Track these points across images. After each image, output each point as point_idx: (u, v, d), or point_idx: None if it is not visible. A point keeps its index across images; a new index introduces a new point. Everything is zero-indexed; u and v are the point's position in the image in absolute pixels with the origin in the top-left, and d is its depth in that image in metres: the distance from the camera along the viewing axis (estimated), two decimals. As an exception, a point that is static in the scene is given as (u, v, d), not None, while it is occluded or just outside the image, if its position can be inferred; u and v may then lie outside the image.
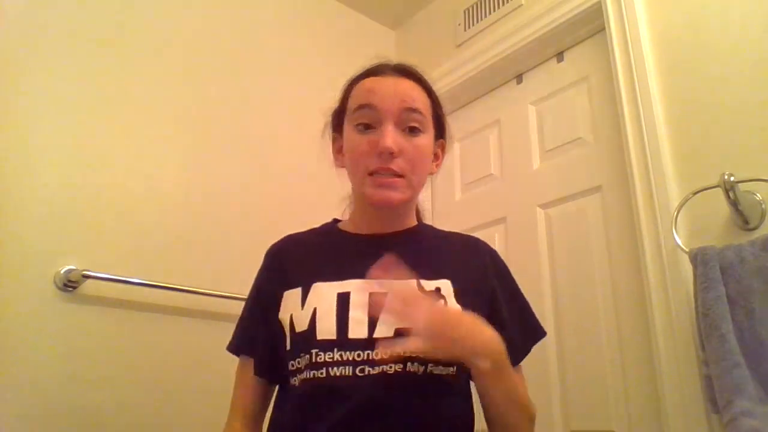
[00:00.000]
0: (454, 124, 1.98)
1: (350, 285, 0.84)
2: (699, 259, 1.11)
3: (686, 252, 1.16)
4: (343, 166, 0.95)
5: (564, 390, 1.45)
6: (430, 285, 0.85)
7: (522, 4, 1.78)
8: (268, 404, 0.91)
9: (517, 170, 1.76)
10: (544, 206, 1.65)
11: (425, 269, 0.86)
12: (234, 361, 0.93)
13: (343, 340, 0.78)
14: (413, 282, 0.83)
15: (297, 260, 0.93)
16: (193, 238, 1.51)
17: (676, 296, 1.20)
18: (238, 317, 0.96)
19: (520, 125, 1.79)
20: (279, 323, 0.86)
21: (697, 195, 1.19)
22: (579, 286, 1.49)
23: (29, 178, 1.30)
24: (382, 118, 0.85)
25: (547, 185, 1.65)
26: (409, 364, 0.77)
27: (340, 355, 0.77)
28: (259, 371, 0.89)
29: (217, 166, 1.63)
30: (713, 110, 1.24)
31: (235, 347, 0.94)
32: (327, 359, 0.78)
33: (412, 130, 0.87)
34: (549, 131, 1.70)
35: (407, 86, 0.89)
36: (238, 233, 1.57)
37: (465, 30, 1.97)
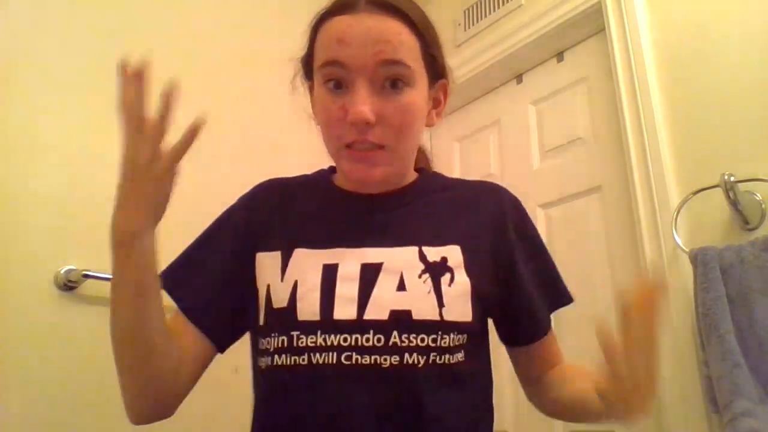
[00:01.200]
0: (454, 124, 2.00)
1: (339, 255, 0.71)
2: (699, 259, 1.11)
3: (686, 252, 1.16)
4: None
5: (564, 390, 1.45)
6: (434, 253, 0.71)
7: (522, 4, 1.78)
8: (198, 374, 0.77)
9: (517, 170, 1.76)
10: (544, 206, 1.65)
11: (429, 233, 0.73)
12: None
13: (328, 321, 0.66)
14: (414, 250, 0.71)
15: (280, 215, 0.79)
16: (192, 238, 1.51)
17: (676, 296, 1.20)
18: (186, 254, 0.83)
19: (520, 125, 1.79)
20: (252, 286, 0.73)
21: (697, 195, 1.19)
22: (579, 286, 1.49)
23: (29, 178, 1.30)
24: (353, 77, 0.68)
25: (547, 185, 1.65)
26: (407, 355, 0.65)
27: (324, 339, 0.65)
28: (214, 335, 0.74)
29: (217, 166, 1.63)
30: (713, 110, 1.25)
31: (188, 305, 0.76)
32: (309, 343, 0.65)
33: (395, 85, 0.69)
34: (549, 131, 1.70)
35: (386, 27, 0.69)
36: (238, 233, 1.57)
37: (465, 30, 1.97)
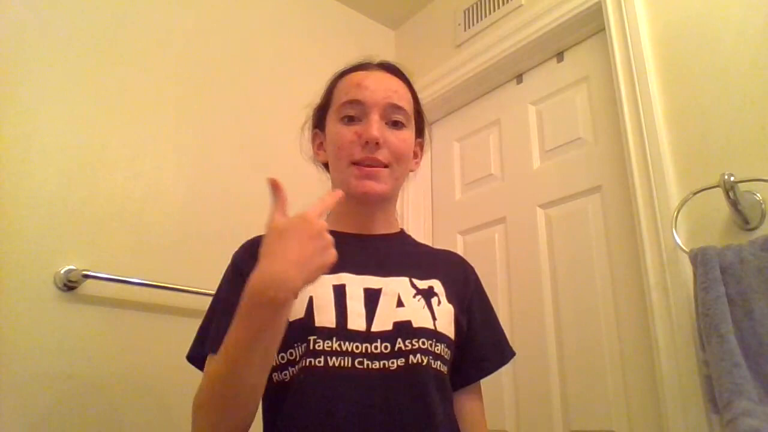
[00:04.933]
0: (454, 124, 2.00)
1: (344, 278, 0.81)
2: (699, 259, 1.11)
3: (686, 252, 1.16)
4: (324, 161, 0.96)
5: (564, 390, 1.45)
6: (422, 284, 0.85)
7: (522, 4, 1.78)
8: None
9: (517, 170, 1.76)
10: (544, 206, 1.65)
11: (416, 269, 0.87)
12: None
13: (342, 330, 0.76)
14: (406, 280, 0.84)
15: None
16: (193, 238, 1.51)
17: (676, 296, 1.20)
18: (207, 319, 0.87)
19: (520, 125, 1.79)
20: None
21: (697, 195, 1.19)
22: (579, 286, 1.49)
23: (29, 178, 1.30)
24: (368, 111, 0.86)
25: (547, 185, 1.65)
26: (411, 356, 0.76)
27: (339, 345, 0.74)
28: None
29: (217, 166, 1.63)
30: (713, 110, 1.24)
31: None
32: (326, 347, 0.74)
33: (396, 124, 0.89)
34: (549, 131, 1.70)
35: (393, 83, 0.91)
36: (238, 233, 1.56)
37: (465, 30, 1.97)
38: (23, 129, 1.32)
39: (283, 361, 0.77)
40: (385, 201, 0.92)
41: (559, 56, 1.73)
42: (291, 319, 0.74)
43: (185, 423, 1.37)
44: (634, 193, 1.34)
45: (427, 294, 0.84)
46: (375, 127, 0.84)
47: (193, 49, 1.68)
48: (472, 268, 0.98)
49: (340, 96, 0.90)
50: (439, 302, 0.84)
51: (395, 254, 0.91)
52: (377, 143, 0.84)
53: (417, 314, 0.80)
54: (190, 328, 1.45)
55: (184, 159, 1.58)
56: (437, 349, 0.79)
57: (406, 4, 2.22)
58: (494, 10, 1.88)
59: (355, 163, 0.85)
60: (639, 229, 1.31)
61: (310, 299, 0.78)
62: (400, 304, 0.81)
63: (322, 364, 0.73)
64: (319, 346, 0.74)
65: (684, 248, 1.17)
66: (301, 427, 0.72)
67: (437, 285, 0.87)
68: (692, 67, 1.31)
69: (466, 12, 1.99)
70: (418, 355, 0.76)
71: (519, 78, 1.85)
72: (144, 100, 1.53)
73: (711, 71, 1.27)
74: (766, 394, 0.99)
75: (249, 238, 0.92)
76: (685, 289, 1.18)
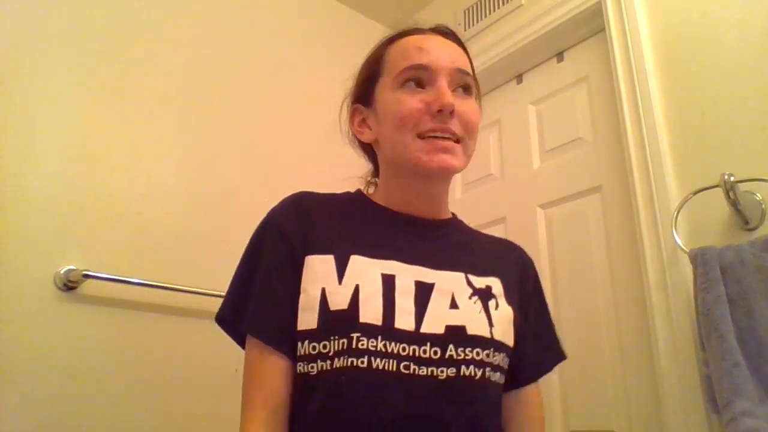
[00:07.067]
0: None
1: (394, 267, 0.72)
2: (699, 259, 1.11)
3: (686, 252, 1.16)
4: (369, 139, 0.83)
5: (564, 390, 1.45)
6: (479, 281, 0.75)
7: (522, 4, 1.78)
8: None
9: (517, 170, 1.76)
10: (544, 206, 1.65)
11: (472, 264, 0.77)
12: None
13: (389, 328, 0.67)
14: (461, 276, 0.75)
15: (324, 220, 0.77)
16: (193, 238, 1.51)
17: (676, 296, 1.20)
18: (240, 282, 0.77)
19: (520, 125, 1.79)
20: (296, 293, 0.71)
21: (697, 195, 1.19)
22: (579, 286, 1.49)
23: (29, 178, 1.30)
24: (434, 76, 0.75)
25: (547, 185, 1.65)
26: (463, 367, 0.67)
27: (384, 345, 0.66)
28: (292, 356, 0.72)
29: (217, 166, 1.63)
30: (713, 110, 1.24)
31: (263, 331, 0.71)
32: (370, 347, 0.65)
33: (466, 90, 0.78)
34: (549, 131, 1.70)
35: (455, 47, 0.81)
36: (239, 233, 1.56)
37: (465, 30, 1.97)
38: (23, 129, 1.32)
39: (313, 352, 0.68)
40: (448, 182, 0.83)
41: (559, 56, 1.73)
42: (332, 308, 0.68)
43: (185, 422, 1.38)
44: (634, 193, 1.34)
45: (485, 295, 0.75)
46: (448, 94, 0.73)
47: (193, 50, 1.67)
48: (531, 262, 0.88)
49: (398, 61, 0.77)
50: (497, 305, 0.75)
51: (450, 244, 0.80)
52: (451, 112, 0.73)
53: (472, 319, 0.71)
54: (190, 328, 1.46)
55: (184, 159, 1.57)
56: (495, 360, 0.71)
57: (406, 4, 2.22)
58: (494, 10, 1.88)
59: (421, 137, 0.73)
60: (639, 229, 1.31)
61: (356, 288, 0.69)
62: (454, 305, 0.71)
63: (365, 365, 0.65)
64: (362, 344, 0.65)
65: (684, 248, 1.17)
66: (337, 430, 0.66)
67: (496, 284, 0.77)
68: (692, 67, 1.31)
69: (466, 12, 1.99)
70: (471, 367, 0.68)
71: (519, 78, 1.85)
72: (144, 101, 1.53)
73: (711, 71, 1.27)
74: (766, 394, 0.99)
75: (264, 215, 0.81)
76: (685, 289, 1.18)
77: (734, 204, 1.12)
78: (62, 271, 1.28)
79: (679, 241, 1.18)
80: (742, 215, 1.13)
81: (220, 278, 1.49)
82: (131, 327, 1.36)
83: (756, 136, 1.16)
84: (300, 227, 0.75)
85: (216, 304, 1.51)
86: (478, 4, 1.95)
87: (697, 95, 1.28)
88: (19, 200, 1.27)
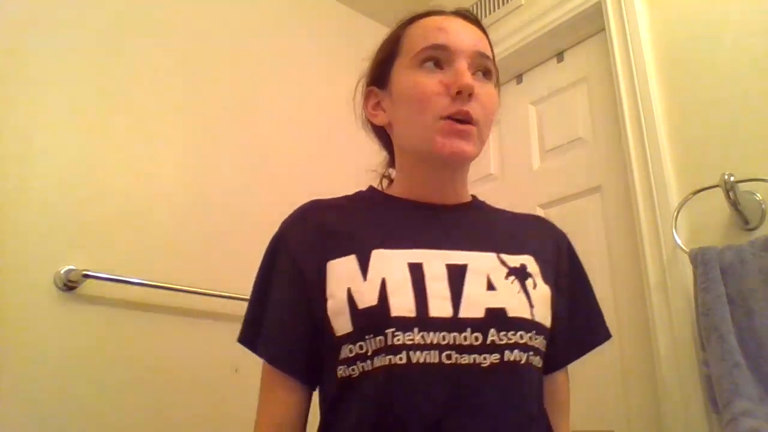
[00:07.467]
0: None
1: (420, 255, 0.69)
2: (699, 259, 1.11)
3: (686, 252, 1.16)
4: (384, 122, 0.81)
5: (564, 390, 1.45)
6: (513, 260, 0.72)
7: (522, 4, 1.78)
8: (307, 418, 0.74)
9: (517, 170, 1.76)
10: (544, 206, 1.65)
11: (503, 243, 0.74)
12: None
13: (424, 318, 0.63)
14: (493, 256, 0.71)
15: (340, 224, 0.75)
16: (193, 238, 1.51)
17: (676, 296, 1.20)
18: (254, 306, 0.76)
19: (520, 125, 1.79)
20: (323, 303, 0.69)
21: (697, 195, 1.19)
22: (579, 286, 1.49)
23: (30, 179, 1.30)
24: (453, 58, 0.73)
25: (547, 185, 1.65)
26: (507, 352, 0.64)
27: (422, 337, 0.62)
28: (306, 378, 0.72)
29: (218, 166, 1.63)
30: (713, 110, 1.24)
31: (273, 356, 0.72)
32: (407, 341, 0.62)
33: (486, 74, 0.76)
34: (549, 131, 1.70)
35: (475, 30, 0.79)
36: (239, 233, 1.57)
37: (465, 30, 1.97)
38: (24, 129, 1.32)
39: (351, 355, 0.65)
40: (466, 165, 0.80)
41: (559, 56, 1.73)
42: (361, 306, 0.65)
43: (185, 422, 1.37)
44: (634, 193, 1.34)
45: (521, 274, 0.71)
46: (468, 75, 0.71)
47: (193, 50, 1.67)
48: (563, 235, 0.83)
49: (417, 41, 0.75)
50: (535, 285, 0.71)
51: (476, 224, 0.78)
52: (470, 94, 0.70)
53: (512, 300, 0.67)
54: (190, 329, 1.46)
55: (185, 159, 1.57)
56: (536, 343, 0.67)
57: (406, 4, 2.22)
58: (494, 10, 1.88)
59: (443, 118, 0.71)
60: (639, 229, 1.31)
61: (383, 282, 0.66)
62: (491, 286, 0.68)
63: (404, 361, 0.61)
64: (398, 340, 0.62)
65: (684, 248, 1.17)
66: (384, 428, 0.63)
67: (530, 262, 0.73)
68: (692, 67, 1.31)
69: (466, 12, 1.99)
70: (516, 352, 0.64)
71: (519, 78, 1.85)
72: (144, 101, 1.53)
73: (711, 71, 1.27)
74: (766, 394, 0.99)
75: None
76: (685, 289, 1.18)
77: (734, 204, 1.12)
78: (62, 271, 1.28)
79: (679, 241, 1.18)
80: (742, 215, 1.13)
81: (220, 278, 1.51)
82: (131, 327, 1.36)
83: (756, 136, 1.16)
84: (312, 239, 0.74)
85: (216, 304, 1.52)
86: (478, 4, 1.95)
87: (697, 95, 1.28)
88: (20, 200, 1.27)
